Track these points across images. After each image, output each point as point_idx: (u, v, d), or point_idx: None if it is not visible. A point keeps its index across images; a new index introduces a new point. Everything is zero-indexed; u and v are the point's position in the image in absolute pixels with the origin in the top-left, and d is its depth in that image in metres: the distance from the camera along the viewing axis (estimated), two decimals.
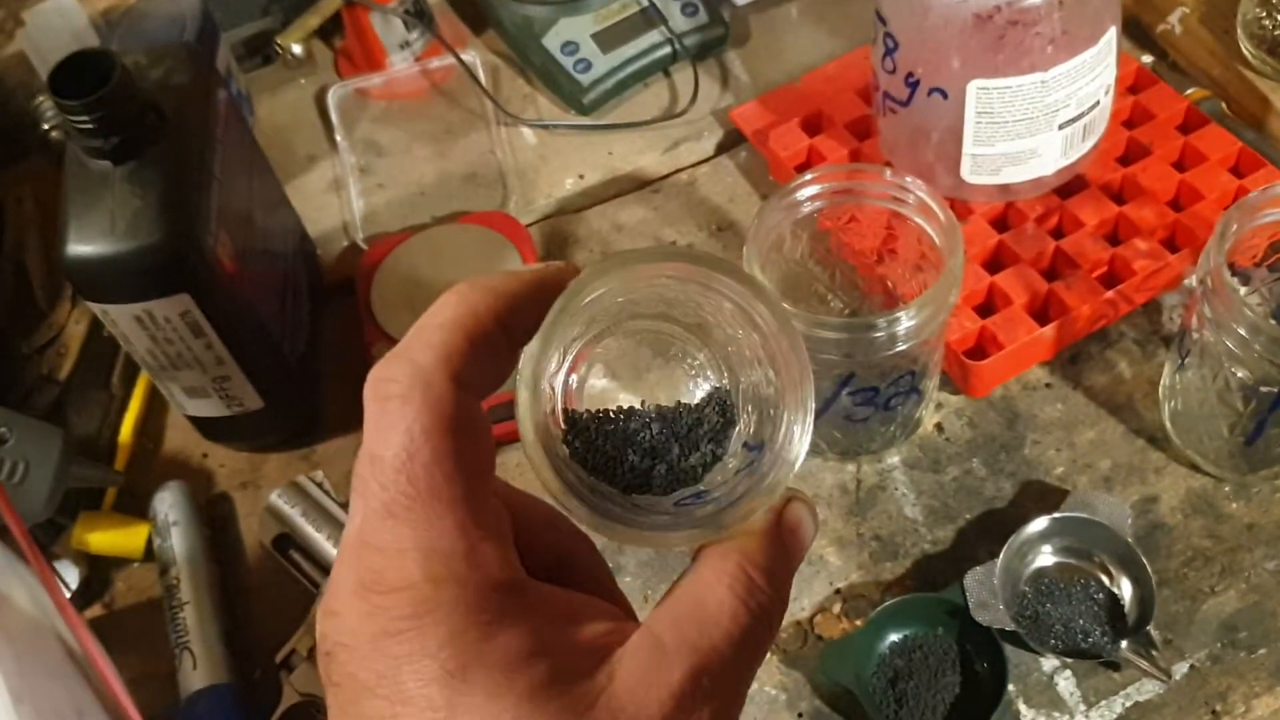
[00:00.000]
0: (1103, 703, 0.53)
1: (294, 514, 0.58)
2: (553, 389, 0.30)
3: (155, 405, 0.68)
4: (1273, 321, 0.55)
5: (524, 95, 0.79)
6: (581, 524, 0.28)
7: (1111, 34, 0.59)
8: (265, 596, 0.60)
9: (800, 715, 0.54)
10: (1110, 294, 0.61)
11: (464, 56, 0.78)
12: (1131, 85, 0.70)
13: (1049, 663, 0.54)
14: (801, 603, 0.57)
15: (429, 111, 0.79)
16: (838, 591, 0.57)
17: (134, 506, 0.63)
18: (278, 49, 0.79)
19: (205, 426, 0.63)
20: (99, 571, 0.62)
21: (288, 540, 0.58)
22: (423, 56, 0.80)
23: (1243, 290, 0.57)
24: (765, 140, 0.71)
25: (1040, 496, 0.59)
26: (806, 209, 0.55)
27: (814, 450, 0.61)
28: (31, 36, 0.74)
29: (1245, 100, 0.70)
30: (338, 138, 0.78)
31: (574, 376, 0.32)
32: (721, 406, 0.30)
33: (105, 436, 0.66)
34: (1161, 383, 0.61)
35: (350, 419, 0.66)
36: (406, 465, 0.25)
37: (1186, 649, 0.54)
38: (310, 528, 0.58)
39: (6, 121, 0.78)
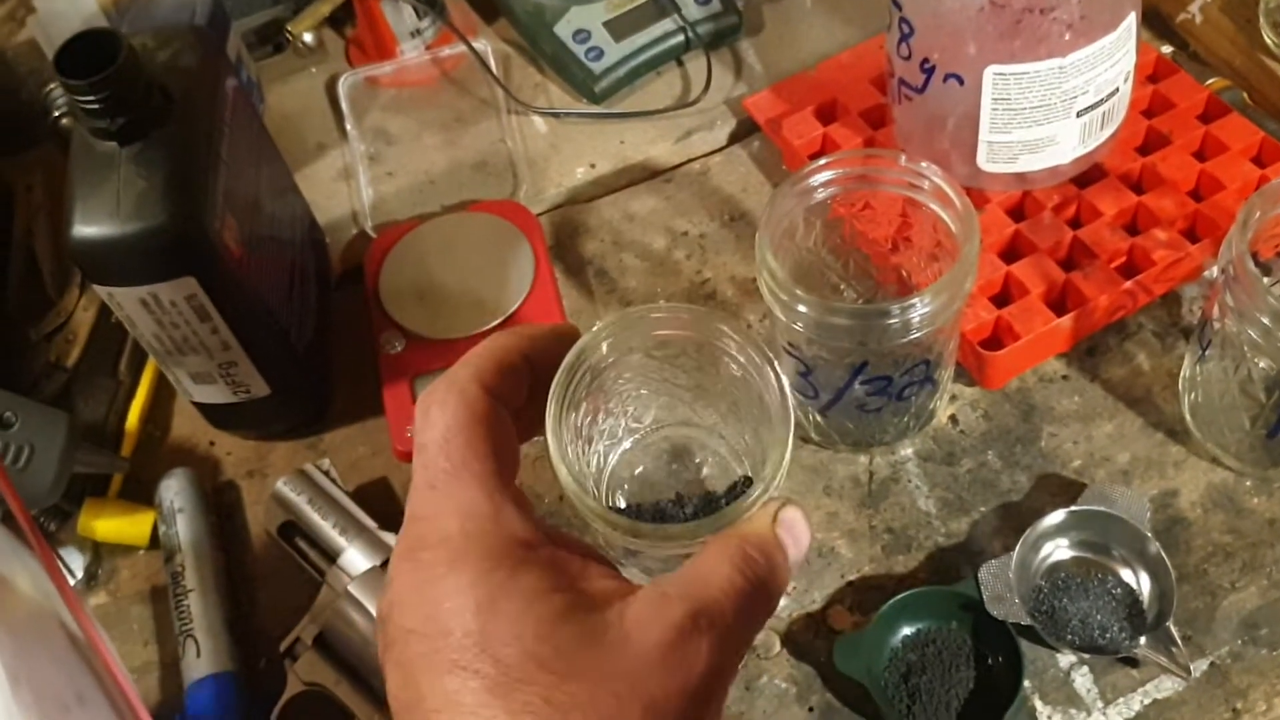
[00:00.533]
0: (1121, 700, 0.52)
1: (300, 502, 0.58)
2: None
3: (163, 392, 0.67)
4: None
5: (535, 84, 0.79)
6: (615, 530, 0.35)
7: (1131, 20, 0.58)
8: (270, 585, 0.60)
9: (811, 709, 0.54)
10: (1129, 284, 0.60)
11: (475, 45, 0.78)
12: (1151, 74, 0.68)
13: (1065, 658, 0.53)
14: (813, 595, 0.56)
15: (439, 100, 0.78)
16: (850, 584, 0.57)
17: (140, 493, 0.63)
18: (288, 37, 0.79)
19: (212, 414, 0.62)
20: (104, 558, 0.62)
21: (293, 528, 0.58)
22: (434, 45, 0.80)
23: (1265, 280, 0.56)
24: (778, 129, 0.70)
25: (1057, 490, 0.58)
26: (820, 195, 0.54)
27: (826, 441, 0.61)
28: (42, 24, 0.74)
29: (1267, 90, 0.69)
30: (348, 126, 0.77)
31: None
32: (737, 486, 0.38)
33: (112, 423, 0.66)
34: (1181, 374, 0.60)
35: (358, 408, 0.65)
36: (444, 447, 0.32)
37: (1206, 646, 0.53)
38: (316, 515, 0.57)
39: (17, 109, 0.78)
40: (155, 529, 0.61)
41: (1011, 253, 0.63)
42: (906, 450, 0.60)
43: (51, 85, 0.75)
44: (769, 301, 0.52)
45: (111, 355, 0.68)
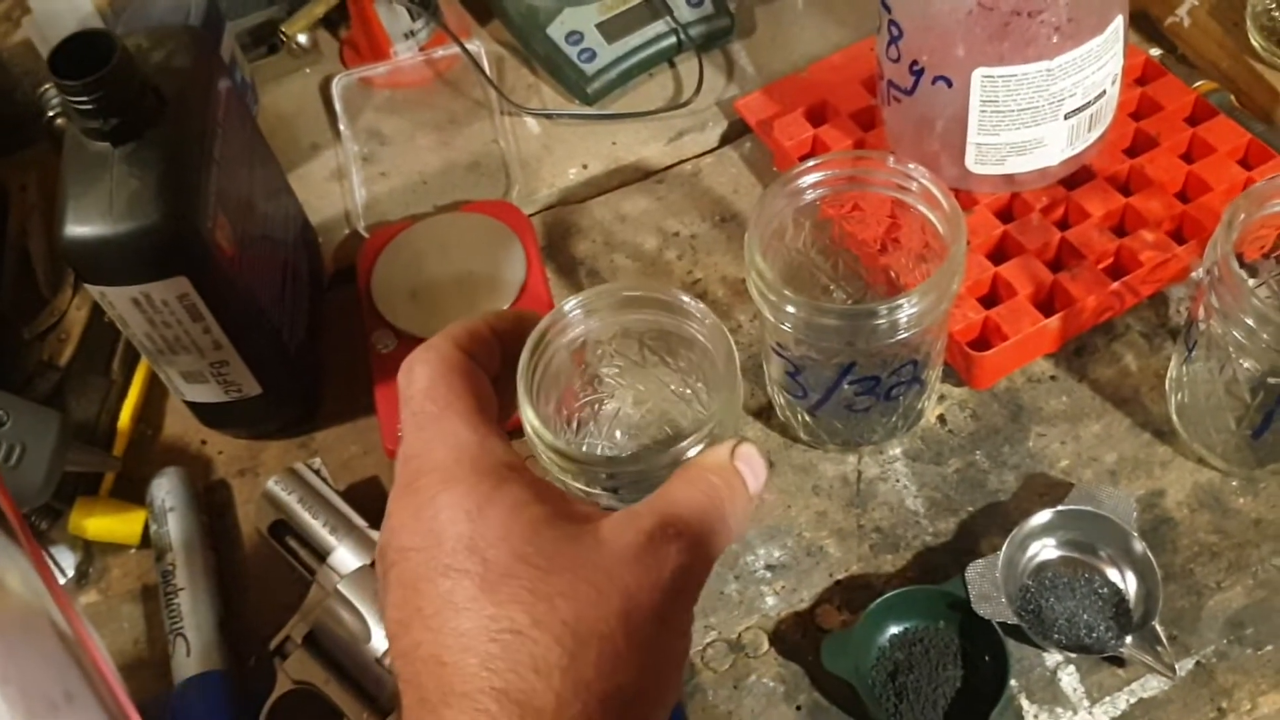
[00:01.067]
0: (1107, 699, 0.52)
1: (290, 501, 0.58)
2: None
3: (155, 392, 0.67)
4: None
5: (528, 85, 0.79)
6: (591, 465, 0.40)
7: (1118, 23, 0.58)
8: (261, 583, 0.60)
9: (799, 708, 0.54)
10: (1116, 285, 0.60)
11: (469, 46, 0.78)
12: (1139, 77, 0.69)
13: (1052, 658, 0.54)
14: (801, 594, 0.57)
15: (433, 101, 0.79)
16: (838, 583, 0.57)
17: (132, 492, 0.63)
18: (283, 38, 0.79)
19: (204, 413, 0.63)
20: (95, 557, 0.62)
21: (284, 527, 0.58)
22: (427, 46, 0.80)
23: (1251, 282, 0.56)
24: (769, 131, 0.70)
25: (1044, 490, 0.58)
26: (809, 196, 0.55)
27: (815, 441, 0.61)
28: (38, 24, 0.74)
29: (1255, 93, 0.69)
30: (341, 126, 0.77)
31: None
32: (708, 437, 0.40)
33: (104, 422, 0.66)
34: (1168, 375, 0.60)
35: (350, 407, 0.66)
36: (429, 393, 0.36)
37: (1192, 645, 0.53)
38: (307, 515, 0.57)
39: (12, 109, 0.78)
40: (146, 528, 0.61)
41: (1000, 254, 0.63)
42: (895, 450, 0.61)
43: (46, 85, 0.75)
44: (758, 302, 0.53)
45: (104, 354, 0.68)
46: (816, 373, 0.55)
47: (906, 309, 0.50)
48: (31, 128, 0.76)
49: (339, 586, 0.54)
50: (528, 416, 0.40)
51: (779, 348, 0.55)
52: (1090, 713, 0.52)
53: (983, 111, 0.59)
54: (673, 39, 0.77)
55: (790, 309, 0.51)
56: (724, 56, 0.79)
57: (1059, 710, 0.52)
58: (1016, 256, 0.62)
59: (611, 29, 0.77)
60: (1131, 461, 0.59)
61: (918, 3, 0.58)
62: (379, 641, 0.53)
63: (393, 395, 0.62)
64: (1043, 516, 0.55)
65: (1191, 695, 0.52)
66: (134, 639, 0.59)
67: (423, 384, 0.36)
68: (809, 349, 0.54)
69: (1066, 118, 0.60)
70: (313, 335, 0.66)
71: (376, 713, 0.52)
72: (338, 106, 0.78)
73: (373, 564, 0.55)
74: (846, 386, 0.55)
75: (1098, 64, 0.58)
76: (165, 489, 0.61)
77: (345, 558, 0.56)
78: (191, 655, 0.55)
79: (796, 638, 0.55)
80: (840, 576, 0.57)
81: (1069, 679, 0.53)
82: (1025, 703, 0.53)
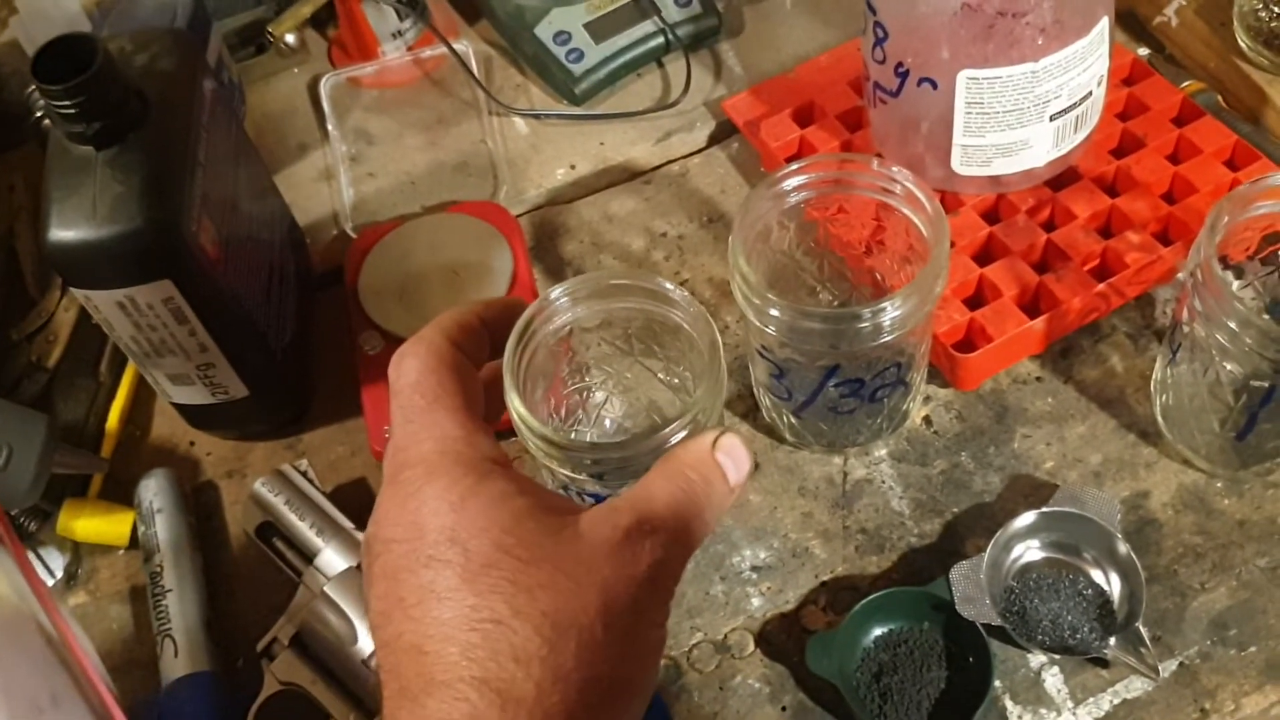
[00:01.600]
0: (1090, 699, 0.53)
1: (278, 502, 0.58)
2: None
3: (143, 393, 0.68)
4: (1265, 316, 0.55)
5: (516, 85, 0.79)
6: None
7: (1104, 24, 0.58)
8: (248, 585, 0.60)
9: (784, 708, 0.54)
10: (1102, 287, 0.60)
11: (456, 46, 0.78)
12: (1126, 78, 0.69)
13: (1036, 659, 0.54)
14: (786, 595, 0.57)
15: (421, 101, 0.79)
16: (823, 584, 0.57)
17: (119, 494, 0.63)
18: (270, 38, 0.79)
19: (191, 414, 0.63)
20: (84, 558, 0.62)
21: (271, 529, 0.58)
22: (415, 46, 0.80)
23: (1236, 284, 0.56)
24: (756, 131, 0.70)
25: (1029, 491, 0.59)
26: (794, 199, 0.55)
27: (800, 442, 0.61)
28: (25, 25, 0.74)
29: (1241, 93, 0.70)
30: (329, 126, 0.77)
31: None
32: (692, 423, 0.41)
33: (92, 423, 0.66)
34: (1153, 377, 0.60)
35: (337, 408, 0.66)
36: (418, 387, 0.36)
37: (1176, 646, 0.53)
38: (294, 516, 0.58)
39: (0, 109, 0.78)
40: (135, 529, 0.61)
41: (985, 255, 0.63)
42: (880, 451, 0.61)
43: (33, 86, 0.75)
44: (742, 305, 0.53)
45: (92, 356, 0.68)
46: (801, 375, 0.55)
47: (890, 312, 0.50)
48: (19, 128, 0.76)
49: (325, 589, 0.54)
50: (513, 403, 0.40)
51: (764, 350, 0.55)
52: (1074, 713, 0.52)
53: (968, 113, 0.59)
54: (661, 39, 0.77)
55: (774, 312, 0.51)
56: (712, 56, 0.79)
57: (1043, 711, 0.53)
58: (1002, 258, 0.62)
59: (599, 29, 0.77)
60: (1116, 463, 0.59)
61: (903, 4, 0.58)
62: (365, 643, 0.53)
63: (380, 396, 0.63)
64: (1027, 518, 0.55)
65: (1175, 696, 0.52)
66: (122, 640, 0.59)
67: (412, 377, 0.36)
68: (793, 352, 0.54)
69: (1052, 119, 0.60)
70: (300, 336, 0.66)
71: (363, 714, 0.53)
72: (326, 106, 0.78)
73: (359, 566, 0.55)
74: (831, 389, 0.55)
75: (1083, 65, 0.58)
76: (153, 490, 0.61)
77: (332, 559, 0.56)
78: (179, 656, 0.55)
79: (782, 639, 0.56)
80: (826, 578, 0.57)
81: (1053, 680, 0.53)
82: (1009, 704, 0.53)
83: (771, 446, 0.62)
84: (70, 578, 0.62)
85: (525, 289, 0.66)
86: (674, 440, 0.40)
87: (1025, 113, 0.59)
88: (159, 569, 0.58)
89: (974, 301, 0.62)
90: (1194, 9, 0.72)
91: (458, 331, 0.38)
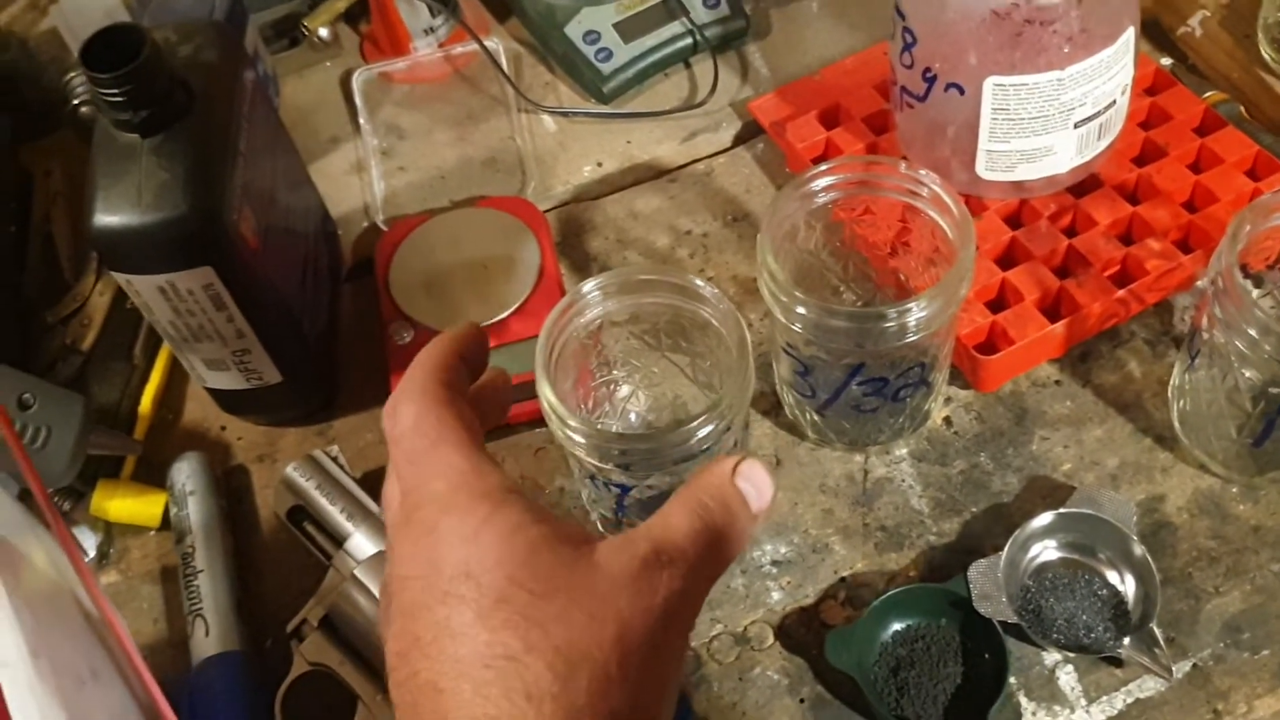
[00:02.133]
0: (1104, 698, 0.53)
1: (309, 487, 0.59)
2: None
3: (176, 377, 0.69)
4: None
5: (545, 83, 0.80)
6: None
7: (1130, 34, 0.59)
8: (278, 567, 0.61)
9: (803, 700, 0.55)
10: (1122, 293, 0.61)
11: (487, 43, 0.79)
12: (1149, 87, 0.70)
13: (1051, 657, 0.55)
14: (806, 590, 0.58)
15: (451, 96, 0.80)
16: (842, 580, 0.58)
17: (152, 476, 0.64)
18: (304, 31, 0.80)
19: (224, 399, 0.64)
20: (116, 538, 0.64)
21: (302, 512, 0.59)
22: (447, 42, 0.81)
23: (1255, 293, 0.57)
24: (782, 132, 0.71)
25: (1046, 492, 0.59)
26: (821, 199, 0.56)
27: (822, 440, 0.62)
28: (64, 14, 0.75)
29: (1264, 104, 0.70)
30: (361, 120, 0.79)
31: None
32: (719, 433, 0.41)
33: (126, 406, 0.67)
34: (1171, 383, 0.61)
35: (367, 396, 0.67)
36: (418, 428, 0.36)
37: (1189, 648, 0.54)
38: (324, 500, 0.59)
39: (38, 96, 0.79)
40: (166, 511, 0.62)
41: (1008, 259, 0.64)
42: (901, 450, 0.62)
43: (72, 74, 0.76)
44: (769, 302, 0.54)
45: (126, 339, 0.69)
46: (825, 373, 0.56)
47: (915, 312, 0.51)
48: (56, 115, 0.77)
49: (356, 572, 0.55)
50: (544, 392, 0.41)
51: (789, 347, 0.56)
52: (1087, 711, 0.53)
53: (994, 119, 0.60)
54: (688, 40, 0.78)
55: (801, 310, 0.52)
56: (739, 58, 0.80)
57: (1056, 708, 0.53)
58: (1024, 262, 0.63)
59: (628, 29, 0.78)
60: (1133, 466, 0.60)
61: (931, 11, 0.59)
62: None
63: None
64: (1044, 519, 0.56)
65: (1188, 697, 0.53)
66: (153, 619, 0.61)
67: (409, 421, 0.36)
68: (818, 350, 0.55)
69: (1076, 126, 0.61)
70: (332, 326, 0.67)
71: (389, 695, 0.54)
72: (357, 100, 0.79)
73: None
74: (855, 387, 0.56)
75: (1108, 74, 0.59)
76: (185, 473, 0.62)
77: (361, 543, 0.57)
78: (210, 636, 0.57)
79: (801, 632, 0.57)
80: (845, 573, 0.58)
81: (1067, 678, 0.54)
82: (1024, 700, 0.54)
83: (793, 443, 0.63)
84: (102, 557, 0.63)
85: (552, 283, 0.67)
86: (701, 434, 0.40)
87: (1050, 120, 0.60)
88: (191, 550, 0.59)
89: (996, 304, 0.63)
90: (1218, 20, 0.73)
91: (444, 370, 0.38)
